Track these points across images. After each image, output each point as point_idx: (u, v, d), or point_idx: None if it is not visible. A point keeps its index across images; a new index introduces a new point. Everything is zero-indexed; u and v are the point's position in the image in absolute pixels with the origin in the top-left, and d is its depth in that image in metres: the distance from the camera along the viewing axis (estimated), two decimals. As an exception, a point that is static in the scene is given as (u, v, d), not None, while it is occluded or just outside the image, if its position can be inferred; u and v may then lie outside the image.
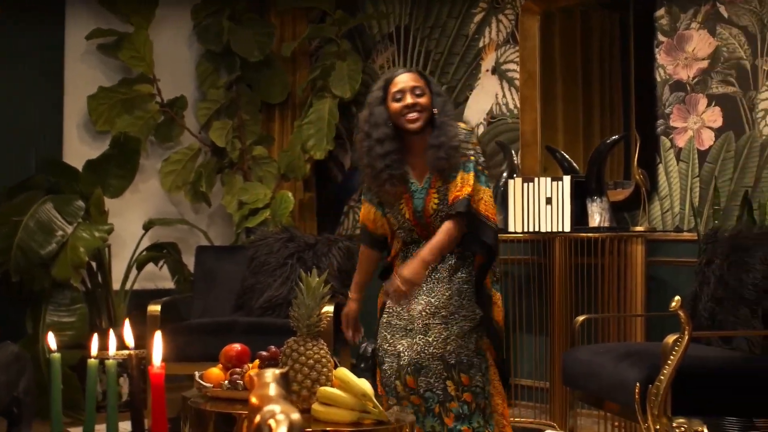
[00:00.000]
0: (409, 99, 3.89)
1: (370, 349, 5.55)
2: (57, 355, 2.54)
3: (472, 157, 3.87)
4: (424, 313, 3.89)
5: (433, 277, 3.92)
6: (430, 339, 3.87)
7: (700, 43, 5.11)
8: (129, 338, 2.50)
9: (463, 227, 3.85)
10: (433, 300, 3.90)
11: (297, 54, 6.86)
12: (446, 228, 3.84)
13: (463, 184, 3.82)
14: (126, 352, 2.45)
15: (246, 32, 6.64)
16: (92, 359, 2.46)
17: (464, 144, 3.87)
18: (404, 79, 3.93)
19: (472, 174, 3.85)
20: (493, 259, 3.92)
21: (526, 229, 5.23)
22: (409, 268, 3.82)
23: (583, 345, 4.53)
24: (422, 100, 3.90)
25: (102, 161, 6.06)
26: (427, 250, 3.84)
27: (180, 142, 6.67)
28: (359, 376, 3.22)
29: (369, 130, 3.96)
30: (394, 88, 3.93)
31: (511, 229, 5.28)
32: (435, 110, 3.90)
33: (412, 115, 3.89)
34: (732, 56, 4.99)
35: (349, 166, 6.87)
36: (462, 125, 3.94)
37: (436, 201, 3.90)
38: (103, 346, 2.68)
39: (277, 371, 1.98)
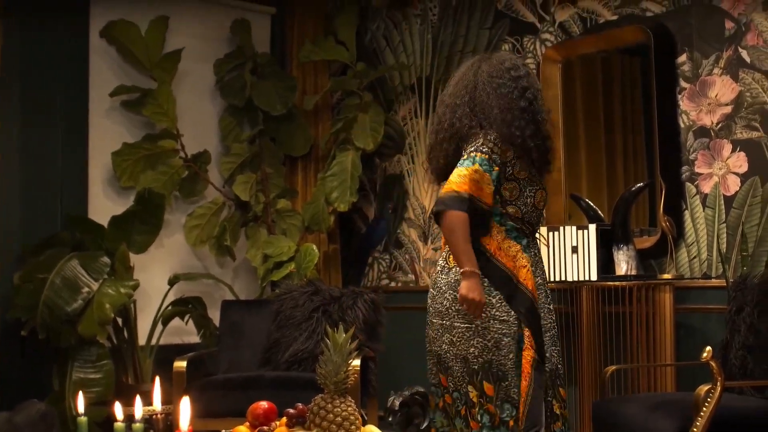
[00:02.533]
0: None
1: (398, 403, 5.52)
2: (84, 418, 2.53)
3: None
4: (450, 310, 3.80)
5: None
6: (454, 338, 3.79)
7: (723, 88, 5.09)
8: (157, 399, 2.48)
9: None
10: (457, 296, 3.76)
11: (319, 107, 6.89)
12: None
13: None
14: (152, 409, 2.44)
15: (268, 86, 6.68)
16: (119, 423, 2.45)
17: None
18: None
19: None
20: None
21: (552, 278, 5.20)
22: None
23: (612, 395, 4.48)
24: None
25: (127, 217, 6.07)
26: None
27: (204, 196, 6.68)
28: (387, 430, 3.20)
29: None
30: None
31: (537, 278, 5.25)
32: None
33: None
34: (755, 101, 4.97)
35: (373, 217, 6.87)
36: None
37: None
38: (129, 404, 2.66)
39: (306, 432, 1.96)
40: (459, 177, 3.69)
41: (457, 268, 3.73)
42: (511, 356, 3.71)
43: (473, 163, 3.71)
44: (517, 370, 3.72)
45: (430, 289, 3.92)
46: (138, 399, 2.47)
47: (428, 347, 3.93)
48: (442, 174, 3.94)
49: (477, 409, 3.75)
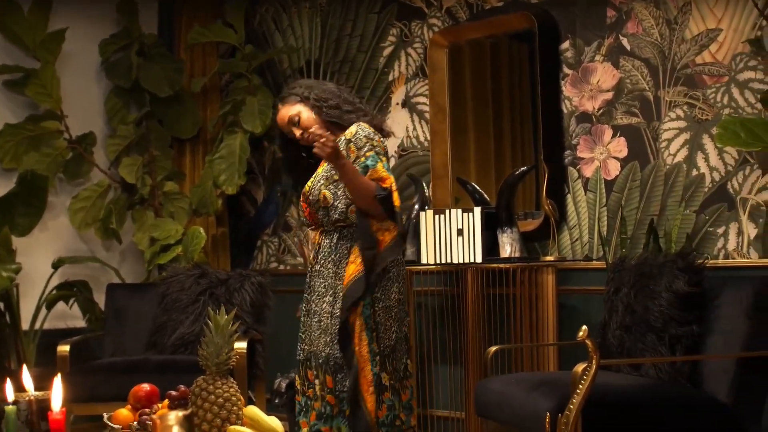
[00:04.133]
0: (297, 133, 4.22)
1: (284, 385, 5.53)
2: (-44, 402, 2.49)
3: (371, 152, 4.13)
4: (315, 312, 4.15)
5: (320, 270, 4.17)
6: (314, 335, 4.14)
7: (604, 75, 5.20)
8: (28, 383, 2.45)
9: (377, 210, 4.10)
10: (315, 298, 4.15)
11: (207, 89, 6.83)
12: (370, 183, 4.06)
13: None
14: (25, 395, 2.41)
15: (155, 67, 6.60)
16: (-9, 405, 2.42)
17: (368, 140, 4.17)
18: (280, 118, 4.27)
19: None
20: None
21: (438, 261, 5.26)
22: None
23: (496, 375, 4.56)
24: (303, 124, 4.20)
25: (9, 199, 5.96)
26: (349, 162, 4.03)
27: (89, 178, 6.58)
28: (274, 411, 3.21)
29: None
30: (283, 129, 4.29)
31: (423, 260, 5.30)
32: (314, 116, 4.21)
33: (309, 140, 4.15)
34: (635, 88, 5.09)
35: (261, 200, 6.85)
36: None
37: (310, 183, 4.25)
38: (19, 389, 2.62)
39: (181, 413, 1.96)
40: None
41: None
42: None
43: None
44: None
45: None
46: (8, 382, 2.44)
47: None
48: None
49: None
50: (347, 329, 3.98)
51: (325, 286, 4.12)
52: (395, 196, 4.06)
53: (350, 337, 3.98)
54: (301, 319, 4.21)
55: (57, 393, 2.14)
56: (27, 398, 2.41)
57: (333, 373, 4.00)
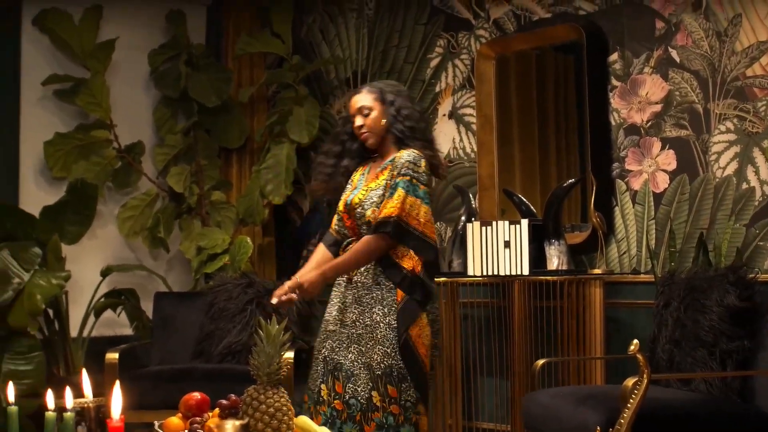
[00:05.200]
0: (358, 121, 4.19)
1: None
2: (14, 408, 2.52)
3: (406, 177, 4.05)
4: (357, 323, 4.04)
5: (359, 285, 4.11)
6: (362, 348, 4.01)
7: (653, 87, 5.18)
8: (87, 389, 2.48)
9: (387, 244, 4.03)
10: (357, 309, 4.06)
11: (255, 99, 6.87)
12: (359, 244, 4.05)
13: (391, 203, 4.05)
14: (83, 401, 2.43)
15: (203, 78, 6.65)
16: (50, 412, 2.44)
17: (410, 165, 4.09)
18: (354, 101, 4.23)
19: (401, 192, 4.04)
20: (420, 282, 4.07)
21: (484, 273, 5.25)
22: (307, 277, 3.99)
23: (543, 388, 4.55)
24: (368, 121, 4.17)
25: (59, 207, 6.02)
26: (329, 266, 4.06)
27: (138, 187, 6.64)
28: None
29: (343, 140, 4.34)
30: (350, 111, 4.27)
31: (470, 272, 5.29)
32: (383, 122, 4.19)
33: (363, 136, 4.22)
34: (684, 100, 5.06)
35: (307, 210, 6.87)
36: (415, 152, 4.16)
37: (360, 197, 4.18)
38: (60, 396, 2.65)
39: (238, 423, 1.97)
40: None
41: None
42: None
43: None
44: None
45: (343, 304, 4.16)
46: (68, 389, 2.46)
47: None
48: None
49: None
50: (409, 343, 3.99)
51: (372, 297, 4.05)
52: (422, 211, 4.08)
53: (414, 350, 3.99)
54: (330, 329, 4.15)
55: (116, 400, 2.16)
56: (85, 405, 2.43)
57: (397, 383, 3.94)
